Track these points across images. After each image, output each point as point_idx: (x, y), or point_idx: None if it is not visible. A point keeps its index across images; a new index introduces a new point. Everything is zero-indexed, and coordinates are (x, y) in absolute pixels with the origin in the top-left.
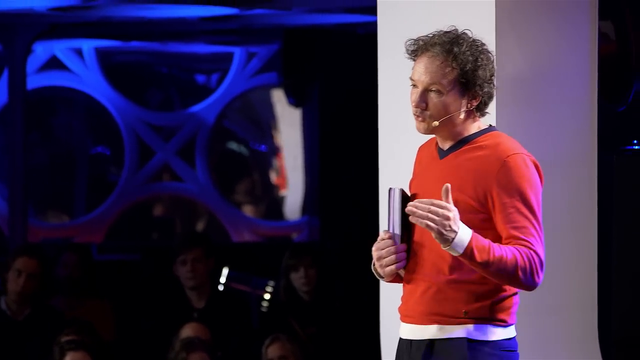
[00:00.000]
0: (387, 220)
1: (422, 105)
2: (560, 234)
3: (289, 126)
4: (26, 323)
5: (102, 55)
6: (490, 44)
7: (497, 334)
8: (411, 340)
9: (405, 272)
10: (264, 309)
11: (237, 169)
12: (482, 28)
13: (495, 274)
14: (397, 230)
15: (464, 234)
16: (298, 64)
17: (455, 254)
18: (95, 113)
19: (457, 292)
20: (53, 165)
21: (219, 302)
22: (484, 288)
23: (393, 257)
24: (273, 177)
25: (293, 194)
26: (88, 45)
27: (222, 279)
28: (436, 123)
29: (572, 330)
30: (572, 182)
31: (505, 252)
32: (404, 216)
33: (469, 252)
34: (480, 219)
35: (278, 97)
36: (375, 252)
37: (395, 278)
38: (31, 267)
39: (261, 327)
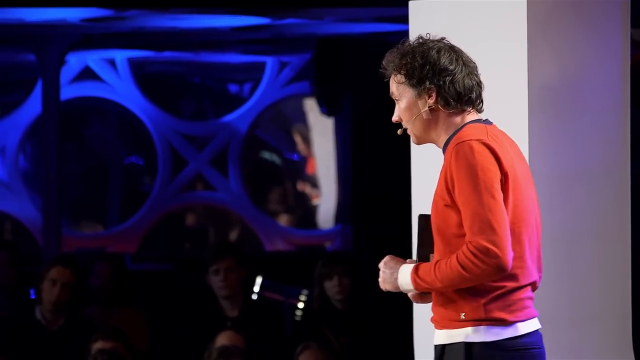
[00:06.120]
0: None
1: (395, 117)
2: (593, 242)
3: (321, 135)
4: (61, 332)
5: (135, 66)
6: (522, 53)
7: (498, 334)
8: (435, 345)
9: None
10: (297, 318)
11: (269, 178)
12: (514, 38)
13: (454, 285)
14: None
15: (404, 272)
16: (330, 73)
17: (413, 291)
18: (129, 123)
19: (454, 295)
20: (86, 176)
21: (252, 311)
22: (475, 289)
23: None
24: (306, 186)
25: (326, 203)
26: (121, 56)
27: (256, 288)
28: (399, 131)
29: (606, 339)
30: (605, 190)
31: (446, 265)
32: (422, 238)
33: (414, 283)
34: (453, 212)
35: (310, 106)
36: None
37: (426, 298)
38: (65, 277)
39: (295, 336)
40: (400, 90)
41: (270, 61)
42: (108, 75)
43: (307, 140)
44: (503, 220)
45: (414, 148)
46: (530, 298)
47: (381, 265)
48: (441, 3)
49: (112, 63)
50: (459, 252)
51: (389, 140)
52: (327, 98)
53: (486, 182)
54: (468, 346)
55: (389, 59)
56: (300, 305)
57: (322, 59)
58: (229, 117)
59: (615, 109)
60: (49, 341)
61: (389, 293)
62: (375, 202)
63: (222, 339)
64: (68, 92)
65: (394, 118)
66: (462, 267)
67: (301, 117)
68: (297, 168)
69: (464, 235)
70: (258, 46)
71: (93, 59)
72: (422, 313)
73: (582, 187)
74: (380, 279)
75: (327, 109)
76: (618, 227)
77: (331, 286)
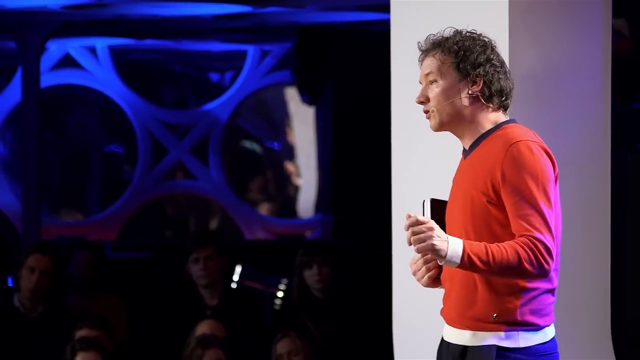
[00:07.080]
0: None
1: (421, 98)
2: (573, 232)
3: (302, 124)
4: (40, 320)
5: (116, 53)
6: (503, 42)
7: (530, 339)
8: (448, 343)
9: (441, 274)
10: (277, 307)
11: (250, 167)
12: (495, 26)
13: (501, 273)
14: None
15: (455, 243)
16: (311, 62)
17: (454, 266)
18: (109, 111)
19: (486, 293)
20: (66, 164)
21: (232, 300)
22: (512, 288)
23: (423, 269)
24: (286, 175)
25: (306, 192)
26: (102, 44)
27: (236, 277)
28: (433, 108)
29: (585, 330)
30: (586, 180)
31: (504, 249)
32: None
33: (465, 258)
34: (497, 211)
35: (291, 95)
36: (410, 265)
37: (437, 283)
38: (44, 264)
39: (274, 325)
40: (442, 71)
41: (251, 49)
42: (89, 63)
43: (288, 129)
44: (553, 225)
45: (395, 138)
46: (554, 302)
47: (426, 224)
48: None
49: (92, 51)
50: (522, 241)
51: (370, 130)
52: (309, 87)
53: (544, 185)
54: (500, 350)
55: (437, 39)
56: (280, 294)
57: (304, 47)
58: (210, 106)
59: (597, 99)
60: (27, 328)
61: (368, 282)
62: (355, 191)
63: (202, 328)
64: (48, 79)
65: (419, 98)
66: (523, 258)
67: (282, 106)
68: (278, 157)
69: (507, 233)
70: (239, 34)
71: (74, 46)
72: (402, 301)
73: (562, 176)
74: (418, 237)
75: (308, 97)
76: (598, 216)
77: (311, 275)
